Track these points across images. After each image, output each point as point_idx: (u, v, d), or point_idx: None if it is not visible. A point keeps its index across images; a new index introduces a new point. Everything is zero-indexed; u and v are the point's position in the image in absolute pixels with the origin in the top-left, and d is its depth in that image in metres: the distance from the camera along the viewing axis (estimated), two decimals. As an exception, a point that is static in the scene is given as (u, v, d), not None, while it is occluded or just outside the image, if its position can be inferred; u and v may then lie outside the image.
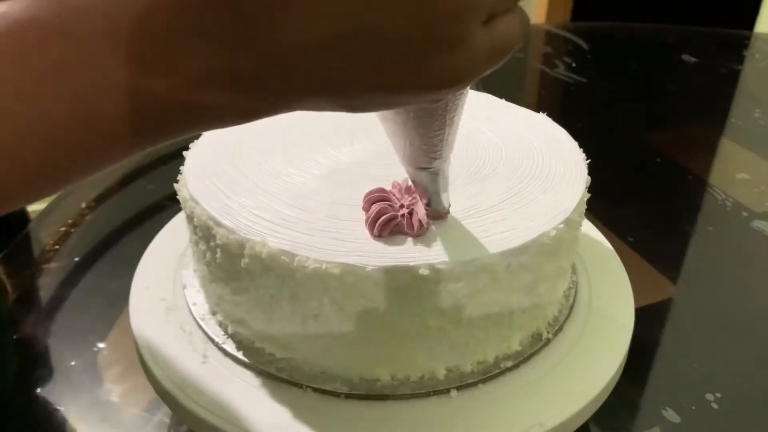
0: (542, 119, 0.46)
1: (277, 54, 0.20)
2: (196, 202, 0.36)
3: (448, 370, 0.36)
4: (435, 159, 0.31)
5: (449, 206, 0.34)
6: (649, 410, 0.44)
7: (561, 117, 0.45)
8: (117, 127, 0.20)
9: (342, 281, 0.32)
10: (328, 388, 0.35)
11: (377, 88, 0.22)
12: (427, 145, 0.29)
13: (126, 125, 0.20)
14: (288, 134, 0.42)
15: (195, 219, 0.36)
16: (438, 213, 0.34)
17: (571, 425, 0.35)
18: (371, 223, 0.33)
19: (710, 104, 0.91)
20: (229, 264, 0.35)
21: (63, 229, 0.62)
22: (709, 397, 0.44)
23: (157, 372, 0.37)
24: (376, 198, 0.34)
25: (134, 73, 0.20)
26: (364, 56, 0.21)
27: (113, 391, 0.44)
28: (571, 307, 0.41)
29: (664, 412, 0.43)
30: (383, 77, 0.22)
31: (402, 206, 0.33)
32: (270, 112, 0.23)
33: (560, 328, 0.40)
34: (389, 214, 0.33)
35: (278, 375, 0.36)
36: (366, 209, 0.34)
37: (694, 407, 0.44)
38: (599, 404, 0.37)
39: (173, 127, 0.22)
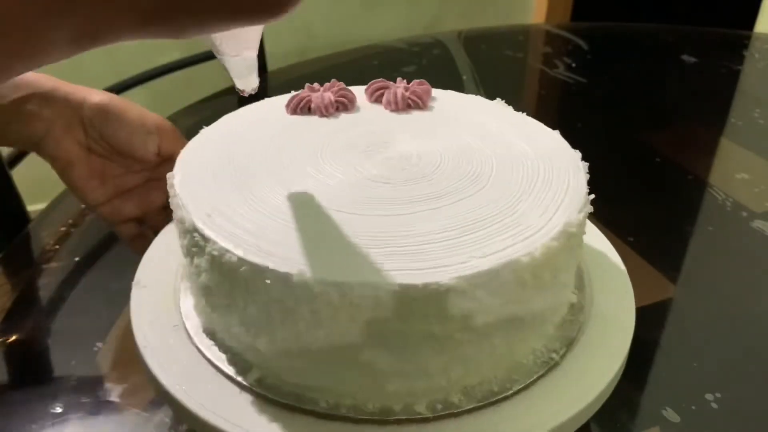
0: (536, 124, 0.45)
1: None
2: (186, 210, 0.36)
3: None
4: (247, 49, 0.34)
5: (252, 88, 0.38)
6: (648, 410, 0.44)
7: (561, 117, 0.45)
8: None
9: (332, 297, 0.31)
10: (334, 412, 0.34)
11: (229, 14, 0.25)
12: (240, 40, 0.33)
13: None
14: (281, 145, 0.42)
15: (181, 225, 0.36)
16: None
17: (572, 426, 0.35)
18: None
19: (710, 104, 0.91)
20: (210, 273, 0.35)
21: (63, 229, 0.62)
22: (709, 397, 0.44)
23: (157, 371, 0.37)
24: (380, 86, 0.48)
25: None
26: None
27: (113, 391, 0.44)
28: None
29: (663, 412, 0.43)
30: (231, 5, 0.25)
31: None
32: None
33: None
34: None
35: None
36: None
37: (693, 407, 0.44)
38: (599, 405, 0.37)
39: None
